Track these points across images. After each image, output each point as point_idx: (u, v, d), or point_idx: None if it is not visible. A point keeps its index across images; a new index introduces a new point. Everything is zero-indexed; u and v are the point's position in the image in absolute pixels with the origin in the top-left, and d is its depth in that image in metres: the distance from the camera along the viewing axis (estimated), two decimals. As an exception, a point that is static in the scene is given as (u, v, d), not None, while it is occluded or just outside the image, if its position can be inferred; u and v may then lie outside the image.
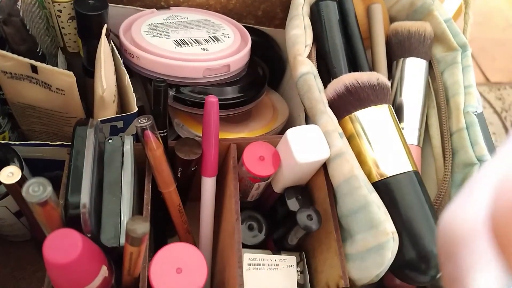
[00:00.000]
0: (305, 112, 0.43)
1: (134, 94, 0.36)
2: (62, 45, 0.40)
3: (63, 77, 0.32)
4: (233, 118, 0.44)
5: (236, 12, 0.48)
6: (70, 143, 0.36)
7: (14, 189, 0.31)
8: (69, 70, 0.39)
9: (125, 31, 0.42)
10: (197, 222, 0.40)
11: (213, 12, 0.47)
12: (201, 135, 0.42)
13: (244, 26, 0.47)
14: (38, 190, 0.25)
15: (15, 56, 0.31)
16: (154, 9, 0.45)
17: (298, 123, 0.47)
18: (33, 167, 0.39)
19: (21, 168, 0.37)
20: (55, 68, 0.32)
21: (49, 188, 0.25)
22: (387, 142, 0.35)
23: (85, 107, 0.39)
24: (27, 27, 0.32)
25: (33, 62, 0.31)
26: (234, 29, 0.44)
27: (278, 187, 0.38)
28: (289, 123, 0.49)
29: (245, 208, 0.39)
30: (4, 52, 0.31)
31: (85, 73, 0.40)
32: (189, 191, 0.41)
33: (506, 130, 1.52)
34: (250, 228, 0.39)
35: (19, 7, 0.31)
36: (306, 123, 0.45)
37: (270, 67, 0.52)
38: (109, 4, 0.44)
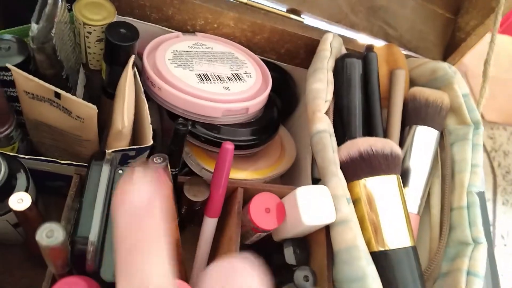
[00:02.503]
0: (312, 155, 0.44)
1: (151, 126, 0.36)
2: (84, 61, 0.40)
3: (85, 108, 0.32)
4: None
5: (260, 46, 0.48)
6: (78, 163, 0.36)
7: (23, 214, 0.31)
8: (88, 86, 0.39)
9: (148, 54, 0.41)
10: (192, 247, 0.40)
11: (237, 44, 0.47)
12: (207, 167, 0.42)
13: (265, 60, 0.47)
14: (51, 236, 0.25)
15: (41, 82, 0.31)
16: (180, 33, 0.45)
17: (303, 164, 0.47)
18: (37, 176, 0.39)
19: (28, 181, 0.36)
20: (79, 99, 0.31)
21: (62, 236, 0.26)
22: (392, 214, 0.36)
23: (98, 125, 0.39)
24: (57, 53, 0.32)
25: (58, 90, 0.31)
26: (257, 68, 0.44)
27: (277, 237, 0.39)
28: (295, 162, 0.49)
29: (241, 249, 0.40)
30: (30, 76, 0.31)
31: (104, 93, 0.40)
32: (189, 226, 0.41)
33: (493, 169, 1.55)
34: (244, 270, 0.40)
35: (53, 34, 0.30)
36: (312, 166, 0.45)
37: (283, 101, 0.52)
38: (135, 19, 0.44)
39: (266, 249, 0.42)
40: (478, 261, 0.37)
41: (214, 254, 0.41)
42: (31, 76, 0.31)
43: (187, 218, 0.39)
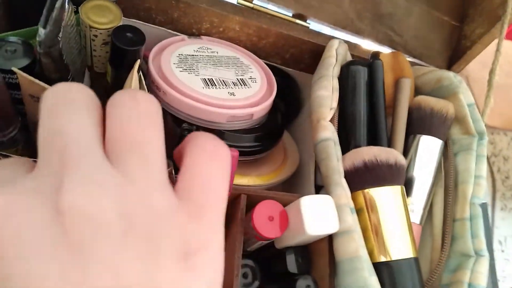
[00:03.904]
0: (315, 162, 0.44)
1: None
2: (89, 64, 0.40)
3: (91, 112, 0.32)
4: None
5: (265, 51, 0.48)
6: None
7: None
8: (92, 88, 0.39)
9: (154, 57, 0.41)
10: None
11: (242, 48, 0.46)
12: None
13: (269, 65, 0.47)
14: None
15: (47, 86, 0.31)
16: (185, 36, 0.45)
17: (306, 171, 0.47)
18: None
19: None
20: (85, 104, 0.31)
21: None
22: (395, 225, 0.36)
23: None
24: (63, 57, 0.31)
25: (64, 94, 0.31)
26: (262, 73, 0.44)
27: (280, 245, 0.39)
28: (298, 168, 0.49)
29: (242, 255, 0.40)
30: (36, 80, 0.30)
31: (108, 96, 0.39)
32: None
33: (492, 174, 1.55)
34: (245, 276, 0.40)
35: (59, 38, 0.30)
36: (315, 173, 0.45)
37: (287, 107, 0.52)
38: (140, 22, 0.44)
39: (268, 256, 0.42)
40: (480, 273, 0.37)
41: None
42: (37, 80, 0.30)
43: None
